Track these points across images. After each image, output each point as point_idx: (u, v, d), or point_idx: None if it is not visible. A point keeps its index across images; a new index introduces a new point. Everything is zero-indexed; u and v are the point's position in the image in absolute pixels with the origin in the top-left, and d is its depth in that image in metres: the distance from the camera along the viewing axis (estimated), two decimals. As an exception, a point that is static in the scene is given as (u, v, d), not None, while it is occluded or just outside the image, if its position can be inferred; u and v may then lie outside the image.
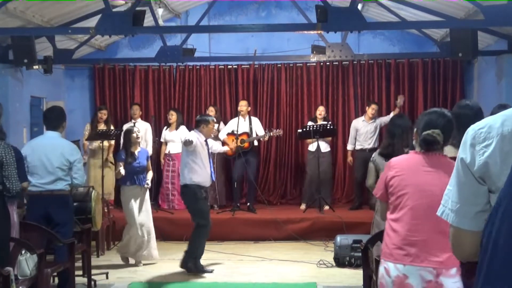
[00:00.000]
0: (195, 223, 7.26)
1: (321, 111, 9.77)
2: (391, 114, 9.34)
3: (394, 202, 3.35)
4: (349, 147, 9.97)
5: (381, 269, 3.32)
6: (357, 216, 9.11)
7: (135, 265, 7.51)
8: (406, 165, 3.36)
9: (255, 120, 9.86)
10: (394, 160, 3.47)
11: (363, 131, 9.75)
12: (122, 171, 7.28)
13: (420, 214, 3.24)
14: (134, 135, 7.48)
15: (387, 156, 5.20)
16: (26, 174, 5.29)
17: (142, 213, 7.42)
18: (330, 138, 9.76)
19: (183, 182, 7.16)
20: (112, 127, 9.77)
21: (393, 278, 3.24)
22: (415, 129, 3.41)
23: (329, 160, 9.87)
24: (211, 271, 7.14)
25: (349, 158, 9.98)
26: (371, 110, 9.74)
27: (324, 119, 9.72)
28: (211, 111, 9.87)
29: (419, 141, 3.32)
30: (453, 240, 1.83)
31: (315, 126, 9.29)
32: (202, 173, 7.10)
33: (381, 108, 10.47)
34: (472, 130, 1.75)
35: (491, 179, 1.69)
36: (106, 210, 8.31)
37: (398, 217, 3.31)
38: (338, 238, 7.41)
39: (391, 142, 5.21)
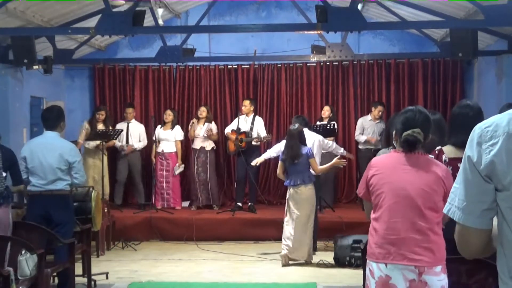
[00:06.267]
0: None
1: (325, 110, 9.78)
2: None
3: (374, 201, 3.36)
4: (362, 138, 9.76)
5: (367, 271, 3.32)
6: (357, 216, 9.08)
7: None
8: (385, 163, 3.36)
9: (259, 120, 9.85)
10: (374, 159, 3.48)
11: (370, 130, 9.75)
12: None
13: (397, 212, 3.23)
14: None
15: None
16: (21, 178, 5.29)
17: None
18: (332, 138, 9.71)
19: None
20: (110, 127, 9.78)
21: (376, 279, 3.23)
22: (393, 131, 3.39)
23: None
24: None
25: (351, 155, 9.67)
26: (377, 112, 9.74)
27: (330, 119, 9.71)
28: (203, 111, 9.87)
29: (401, 142, 3.29)
30: (459, 238, 1.83)
31: (315, 126, 9.27)
32: None
33: (381, 108, 10.49)
34: (478, 128, 1.76)
35: (497, 177, 1.69)
36: (106, 210, 8.31)
37: (377, 216, 3.32)
38: (338, 238, 7.41)
39: None
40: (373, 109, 9.86)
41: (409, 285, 3.14)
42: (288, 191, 7.40)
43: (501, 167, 1.68)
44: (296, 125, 7.54)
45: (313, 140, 7.87)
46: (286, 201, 7.43)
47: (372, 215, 3.37)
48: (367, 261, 3.32)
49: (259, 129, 9.73)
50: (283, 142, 8.00)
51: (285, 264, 7.34)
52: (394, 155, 3.35)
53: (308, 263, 7.37)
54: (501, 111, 4.34)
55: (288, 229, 7.30)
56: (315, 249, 7.81)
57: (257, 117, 9.86)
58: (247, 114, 9.70)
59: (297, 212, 7.26)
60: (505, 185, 1.68)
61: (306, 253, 7.35)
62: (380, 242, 3.25)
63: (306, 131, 7.81)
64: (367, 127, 9.81)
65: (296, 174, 7.25)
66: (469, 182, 1.75)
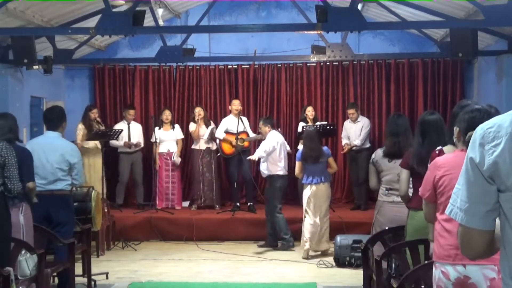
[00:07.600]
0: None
1: (311, 111, 9.78)
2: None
3: (445, 202, 3.22)
4: (343, 141, 9.99)
5: (437, 273, 3.20)
6: (357, 216, 9.11)
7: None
8: (455, 163, 3.25)
9: (245, 120, 9.90)
10: (440, 159, 3.39)
11: (349, 131, 9.83)
12: None
13: None
14: None
15: (392, 156, 5.21)
16: (33, 174, 5.24)
17: None
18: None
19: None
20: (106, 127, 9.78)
21: (453, 281, 3.12)
22: (456, 128, 3.28)
23: None
24: None
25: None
26: (350, 113, 9.83)
27: (314, 119, 9.72)
28: (200, 111, 9.84)
29: (466, 142, 3.18)
30: (462, 239, 1.82)
31: (315, 126, 9.24)
32: None
33: (381, 108, 10.50)
34: (481, 129, 1.74)
35: (500, 178, 1.69)
36: (106, 210, 8.30)
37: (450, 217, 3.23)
38: (338, 238, 7.41)
39: (396, 141, 5.21)
40: (347, 111, 9.95)
41: (490, 283, 3.05)
42: (307, 189, 7.76)
43: (504, 168, 1.67)
44: (312, 126, 8.08)
45: (281, 140, 8.36)
46: (308, 199, 7.73)
47: (442, 216, 3.26)
48: (438, 263, 3.21)
49: (248, 128, 9.77)
50: (265, 143, 8.24)
51: (306, 257, 7.72)
52: (460, 154, 3.23)
53: (326, 254, 7.80)
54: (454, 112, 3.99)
55: (309, 224, 7.71)
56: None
57: (242, 117, 9.86)
58: (236, 115, 9.69)
59: (319, 207, 7.74)
60: (508, 186, 1.67)
61: (327, 244, 7.85)
62: (456, 243, 3.14)
63: (272, 132, 8.29)
64: (347, 128, 9.90)
65: (318, 172, 7.76)
66: (471, 183, 1.74)
